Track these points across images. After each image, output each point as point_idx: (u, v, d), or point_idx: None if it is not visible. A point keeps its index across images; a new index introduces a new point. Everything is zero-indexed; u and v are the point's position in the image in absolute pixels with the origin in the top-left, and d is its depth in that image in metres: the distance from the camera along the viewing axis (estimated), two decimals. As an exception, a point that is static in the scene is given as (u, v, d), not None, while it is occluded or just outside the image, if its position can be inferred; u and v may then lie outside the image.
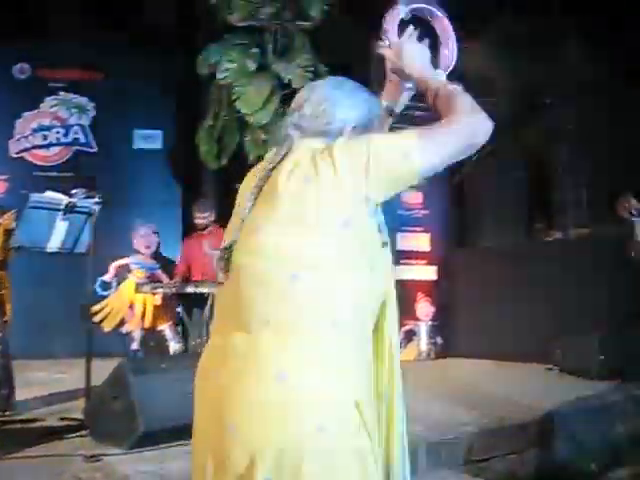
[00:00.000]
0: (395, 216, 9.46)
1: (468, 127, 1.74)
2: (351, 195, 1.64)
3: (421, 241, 9.62)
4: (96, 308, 6.19)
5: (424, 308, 9.33)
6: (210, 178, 9.74)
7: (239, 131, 8.36)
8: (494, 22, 10.83)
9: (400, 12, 1.97)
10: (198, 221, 7.24)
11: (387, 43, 1.96)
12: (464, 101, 1.78)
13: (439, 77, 1.95)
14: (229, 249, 1.66)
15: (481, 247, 9.61)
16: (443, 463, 4.03)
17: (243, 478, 1.50)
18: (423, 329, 9.28)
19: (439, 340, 9.36)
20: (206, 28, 9.22)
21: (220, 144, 8.50)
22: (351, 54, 10.95)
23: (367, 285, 1.72)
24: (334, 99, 1.80)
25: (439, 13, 2.04)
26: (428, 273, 9.59)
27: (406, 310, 9.26)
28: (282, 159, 1.71)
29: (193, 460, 1.69)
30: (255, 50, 8.24)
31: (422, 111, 2.06)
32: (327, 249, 1.61)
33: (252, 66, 8.19)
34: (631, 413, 5.69)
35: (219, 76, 8.17)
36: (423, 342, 9.28)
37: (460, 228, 10.27)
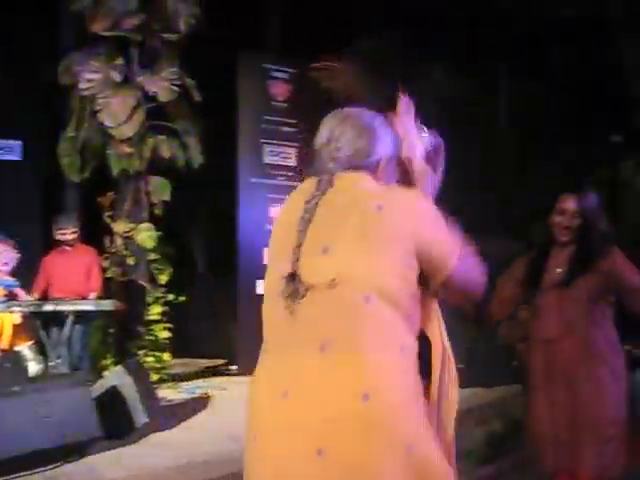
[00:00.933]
0: (262, 232, 9.48)
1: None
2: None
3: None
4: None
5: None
6: (72, 192, 9.38)
7: (102, 144, 8.08)
8: (359, 40, 11.15)
9: (427, 142, 2.10)
10: (58, 237, 6.97)
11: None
12: None
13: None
14: (294, 274, 1.71)
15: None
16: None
17: None
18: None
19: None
20: (69, 36, 8.91)
21: (83, 156, 8.18)
22: (219, 68, 10.96)
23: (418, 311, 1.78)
24: (375, 134, 1.89)
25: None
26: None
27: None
28: (324, 192, 1.79)
29: None
30: (120, 61, 8.01)
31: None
32: (393, 278, 1.67)
33: (117, 77, 7.95)
34: (490, 417, 6.05)
35: (82, 86, 7.87)
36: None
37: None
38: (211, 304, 11.77)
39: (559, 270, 3.19)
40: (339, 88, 10.22)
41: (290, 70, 10.11)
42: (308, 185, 1.88)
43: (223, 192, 11.52)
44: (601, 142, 13.09)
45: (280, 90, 10.01)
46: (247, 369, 7.96)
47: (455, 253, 1.77)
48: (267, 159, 9.75)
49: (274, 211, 9.64)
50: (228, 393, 7.38)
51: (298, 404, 1.62)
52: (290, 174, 9.87)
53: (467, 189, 8.32)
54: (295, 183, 8.48)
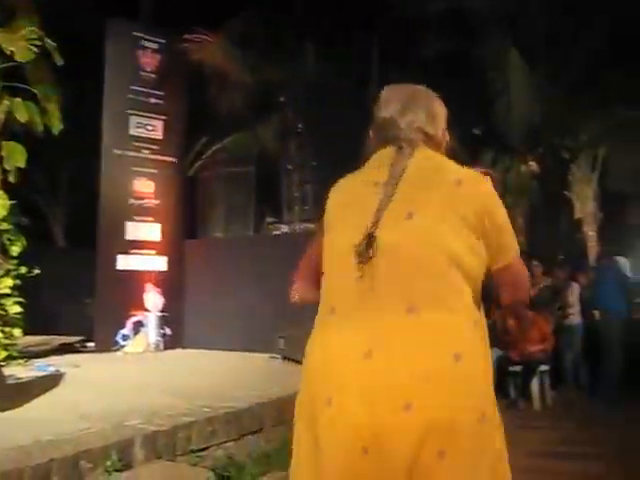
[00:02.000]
0: (125, 205, 9.24)
1: None
2: None
3: (152, 231, 9.49)
4: None
5: (153, 299, 9.21)
6: None
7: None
8: (233, 19, 11.01)
9: None
10: None
11: None
12: None
13: None
14: (370, 237, 1.66)
15: (211, 238, 9.73)
16: (160, 454, 4.02)
17: (416, 454, 1.56)
18: (152, 320, 9.16)
19: (168, 331, 9.31)
20: None
21: None
22: (87, 34, 10.49)
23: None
24: (439, 109, 1.95)
25: None
26: (158, 263, 9.50)
27: (135, 301, 9.11)
28: (408, 161, 1.78)
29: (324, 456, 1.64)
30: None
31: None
32: (470, 255, 1.71)
33: (-30, 34, 7.38)
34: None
35: None
36: (152, 333, 9.16)
37: (192, 219, 10.33)
38: (68, 279, 11.30)
39: None
40: (209, 61, 10.07)
41: (160, 40, 9.82)
42: (386, 152, 1.85)
43: (85, 163, 11.08)
44: (463, 135, 13.69)
45: (149, 60, 9.70)
46: (104, 346, 7.80)
47: (516, 245, 1.83)
48: (133, 131, 9.43)
49: (138, 184, 9.39)
50: (82, 371, 7.13)
51: (384, 362, 1.61)
52: (156, 147, 9.61)
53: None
54: (161, 157, 8.26)
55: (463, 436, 1.59)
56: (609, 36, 11.08)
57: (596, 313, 8.04)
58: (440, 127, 1.96)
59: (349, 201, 1.84)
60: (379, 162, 1.85)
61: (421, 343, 1.63)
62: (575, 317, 8.38)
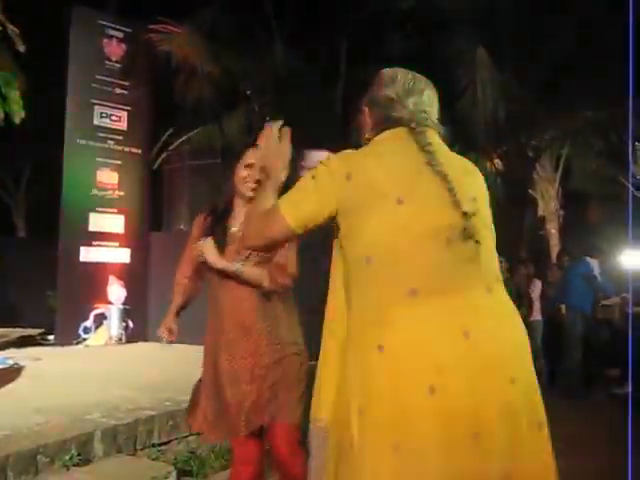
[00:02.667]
0: (89, 196, 9.11)
1: None
2: None
3: (115, 223, 9.37)
4: None
5: (116, 291, 9.10)
6: None
7: None
8: (201, 9, 10.91)
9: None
10: None
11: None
12: None
13: None
14: (469, 216, 1.72)
15: (176, 231, 9.65)
16: (121, 449, 3.98)
17: (521, 427, 1.64)
18: (114, 313, 9.05)
19: (131, 324, 9.21)
20: None
21: None
22: (52, 21, 10.30)
23: None
24: (435, 96, 2.01)
25: None
26: (121, 256, 9.39)
27: (97, 293, 8.99)
28: (430, 144, 1.80)
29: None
30: None
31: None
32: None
33: None
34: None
35: None
36: (114, 326, 9.04)
37: (156, 211, 10.23)
38: (29, 270, 11.12)
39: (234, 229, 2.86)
40: (176, 51, 9.96)
41: (126, 30, 9.68)
42: (400, 132, 1.84)
43: (48, 152, 10.90)
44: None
45: (115, 50, 9.56)
46: (65, 339, 7.69)
47: None
48: (97, 121, 9.29)
49: (102, 175, 9.27)
50: (42, 364, 7.02)
51: (483, 341, 1.64)
52: (121, 138, 9.49)
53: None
54: (126, 148, 8.16)
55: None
56: (574, 38, 11.23)
57: (562, 307, 8.18)
58: (436, 113, 1.98)
59: (403, 182, 1.74)
60: (400, 142, 1.83)
61: (505, 321, 1.74)
62: (536, 314, 8.49)
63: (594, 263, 8.07)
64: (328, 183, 1.77)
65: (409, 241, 1.69)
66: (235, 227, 2.84)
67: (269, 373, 2.70)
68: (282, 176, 1.93)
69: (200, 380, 2.96)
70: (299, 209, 1.78)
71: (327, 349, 1.87)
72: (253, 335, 2.74)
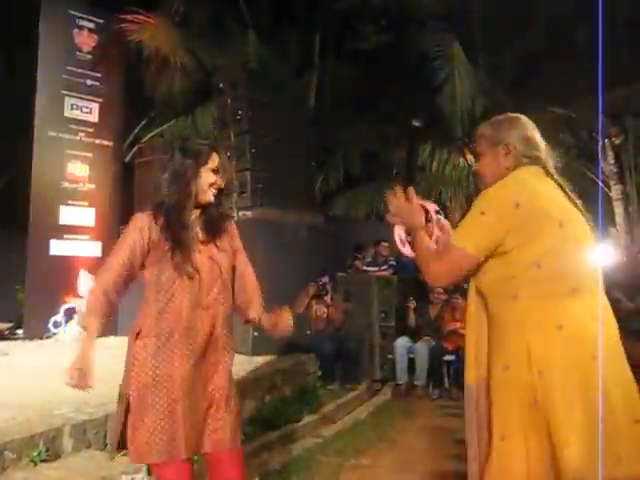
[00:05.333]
0: (59, 189, 8.99)
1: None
2: None
3: (86, 216, 9.26)
4: None
5: (87, 285, 9.00)
6: None
7: None
8: (174, 1, 10.82)
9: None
10: None
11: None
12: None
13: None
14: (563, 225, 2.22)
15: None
16: (90, 444, 3.94)
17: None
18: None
19: (102, 318, 9.10)
20: None
21: None
22: (21, 10, 10.13)
23: None
24: None
25: None
26: (92, 249, 9.28)
27: (68, 287, 8.89)
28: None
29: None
30: None
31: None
32: None
33: None
34: (279, 383, 6.20)
35: None
36: (85, 320, 8.93)
37: (127, 204, 10.13)
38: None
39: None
40: (148, 43, 9.86)
41: (98, 20, 9.56)
42: (537, 170, 2.33)
43: (18, 144, 10.73)
44: (403, 126, 13.81)
45: (86, 40, 9.44)
46: (35, 333, 7.58)
47: None
48: (68, 113, 9.17)
49: (72, 168, 9.16)
50: (11, 359, 6.93)
51: (610, 331, 2.22)
52: (92, 130, 9.38)
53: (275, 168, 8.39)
54: (97, 140, 8.06)
55: None
56: (543, 34, 11.33)
57: None
58: None
59: (561, 209, 2.27)
60: (542, 178, 2.33)
61: (611, 320, 2.26)
62: None
63: None
64: (499, 214, 2.20)
65: (569, 252, 2.21)
66: (200, 233, 2.70)
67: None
68: (418, 223, 2.44)
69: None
70: (479, 241, 2.21)
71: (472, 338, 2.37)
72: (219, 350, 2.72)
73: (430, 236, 2.47)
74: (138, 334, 2.68)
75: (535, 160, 2.33)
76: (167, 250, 2.61)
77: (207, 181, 2.70)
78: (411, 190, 2.46)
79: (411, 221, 2.44)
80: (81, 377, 2.52)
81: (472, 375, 2.32)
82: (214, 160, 2.73)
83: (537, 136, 2.39)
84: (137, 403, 2.55)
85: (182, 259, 2.60)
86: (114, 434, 2.65)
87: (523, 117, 2.42)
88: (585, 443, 2.04)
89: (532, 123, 2.41)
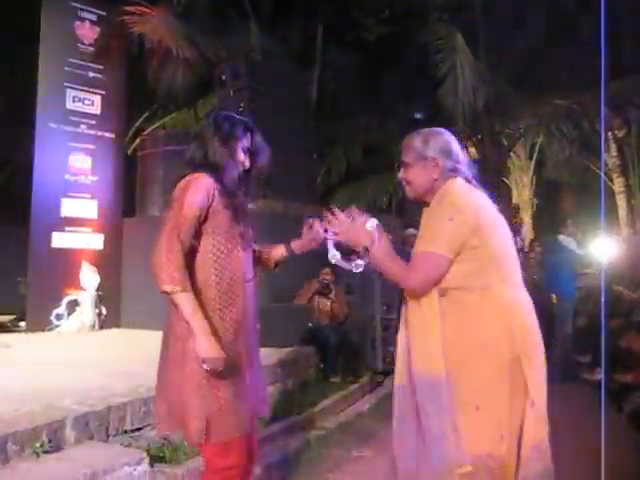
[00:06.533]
0: (61, 181, 8.99)
1: None
2: None
3: (88, 208, 9.27)
4: None
5: (89, 277, 9.01)
6: None
7: None
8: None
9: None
10: None
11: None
12: None
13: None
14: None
15: (150, 216, 9.54)
16: (93, 435, 3.95)
17: None
18: (87, 299, 8.96)
19: (104, 311, 9.14)
20: None
21: None
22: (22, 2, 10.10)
23: None
24: None
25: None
26: (94, 241, 9.29)
27: (70, 279, 8.90)
28: None
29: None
30: None
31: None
32: None
33: None
34: (281, 375, 6.21)
35: None
36: (87, 313, 8.96)
37: (130, 197, 10.13)
38: (0, 255, 10.96)
39: None
40: (150, 35, 9.83)
41: (100, 12, 9.54)
42: (464, 183, 2.54)
43: (20, 136, 10.73)
44: (405, 118, 13.78)
45: (88, 32, 9.42)
46: (37, 326, 7.60)
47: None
48: (70, 105, 9.16)
49: (74, 160, 9.15)
50: (14, 351, 6.95)
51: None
52: (94, 123, 9.37)
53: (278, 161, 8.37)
54: (99, 132, 8.05)
55: None
56: (546, 25, 11.29)
57: (553, 297, 8.27)
58: None
59: (495, 215, 2.55)
60: (470, 190, 2.53)
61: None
62: None
63: (568, 240, 8.14)
64: (466, 217, 2.41)
65: (512, 248, 2.58)
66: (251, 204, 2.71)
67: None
68: (368, 242, 2.49)
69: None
70: (451, 244, 2.39)
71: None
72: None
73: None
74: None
75: (457, 172, 2.53)
76: (228, 219, 2.55)
77: (240, 158, 2.67)
78: (354, 209, 2.57)
79: (359, 241, 2.50)
80: (220, 362, 2.43)
81: (404, 376, 2.53)
82: (248, 139, 2.70)
83: (458, 149, 2.59)
84: (209, 380, 2.48)
85: (245, 229, 2.58)
86: (198, 420, 2.48)
87: (446, 131, 2.61)
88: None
89: (453, 136, 2.60)
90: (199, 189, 2.50)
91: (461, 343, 2.39)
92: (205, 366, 2.42)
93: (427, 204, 2.57)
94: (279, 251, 2.90)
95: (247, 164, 2.71)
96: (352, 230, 2.51)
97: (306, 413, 5.73)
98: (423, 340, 2.44)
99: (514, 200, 16.23)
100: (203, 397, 2.46)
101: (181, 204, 2.48)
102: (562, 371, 7.54)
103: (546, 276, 8.51)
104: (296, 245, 2.89)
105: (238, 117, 2.79)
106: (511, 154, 13.89)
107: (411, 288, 2.47)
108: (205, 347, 2.40)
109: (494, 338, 2.38)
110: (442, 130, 2.61)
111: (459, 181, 2.52)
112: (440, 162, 2.52)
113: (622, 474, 3.97)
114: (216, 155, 2.59)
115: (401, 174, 2.64)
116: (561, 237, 8.17)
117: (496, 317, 2.39)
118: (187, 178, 2.56)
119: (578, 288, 8.16)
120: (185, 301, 2.43)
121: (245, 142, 2.69)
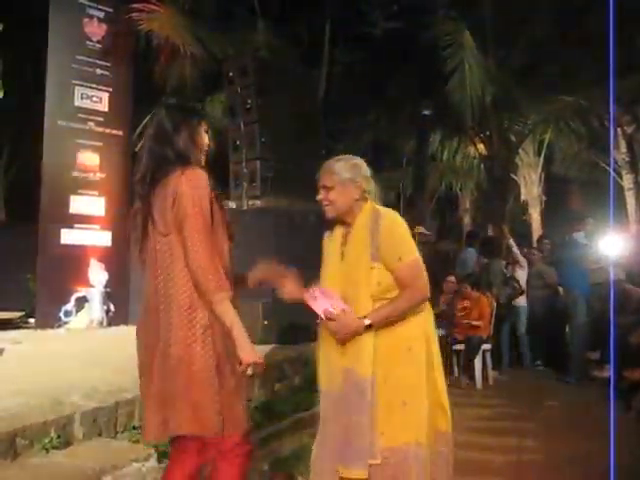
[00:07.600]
0: (69, 178, 9.02)
1: None
2: None
3: (96, 205, 9.29)
4: None
5: (97, 274, 9.04)
6: None
7: None
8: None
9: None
10: None
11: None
12: None
13: None
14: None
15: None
16: (101, 431, 3.96)
17: None
18: (96, 296, 8.99)
19: (112, 308, 9.16)
20: None
21: None
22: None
23: None
24: None
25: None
26: (102, 238, 9.32)
27: (78, 276, 8.92)
28: None
29: None
30: None
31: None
32: None
33: None
34: (288, 372, 6.22)
35: None
36: (95, 310, 8.99)
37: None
38: (9, 253, 11.01)
39: None
40: (158, 32, 9.84)
41: (107, 10, 9.55)
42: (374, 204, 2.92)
43: (28, 133, 10.77)
44: (412, 116, 13.75)
45: (95, 30, 9.44)
46: (46, 322, 7.60)
47: None
48: (78, 102, 9.18)
49: (83, 157, 9.18)
50: (23, 347, 6.98)
51: None
52: (102, 120, 9.39)
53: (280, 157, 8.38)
54: (107, 130, 8.02)
55: None
56: (556, 22, 11.23)
57: (561, 290, 8.21)
58: None
59: None
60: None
61: None
62: (521, 299, 8.52)
63: (581, 235, 8.10)
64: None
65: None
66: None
67: None
68: (361, 326, 2.69)
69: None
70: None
71: None
72: None
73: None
74: (189, 307, 2.49)
75: (370, 194, 2.85)
76: (220, 215, 2.49)
77: (205, 141, 2.60)
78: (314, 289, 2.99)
79: (354, 330, 2.67)
80: (262, 366, 2.43)
81: (336, 383, 2.78)
82: (206, 121, 2.64)
83: (369, 175, 2.88)
84: (215, 375, 2.44)
85: (230, 225, 2.54)
86: (214, 414, 2.43)
87: (361, 160, 2.91)
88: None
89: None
90: (203, 185, 2.43)
91: (392, 346, 2.68)
92: (249, 371, 2.40)
93: (346, 223, 2.86)
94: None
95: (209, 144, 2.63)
96: (344, 329, 2.70)
97: (313, 409, 5.72)
98: (356, 343, 2.67)
99: (522, 197, 16.19)
100: (216, 393, 2.42)
101: (199, 203, 2.40)
102: (575, 369, 7.53)
103: (558, 273, 8.45)
104: (250, 280, 2.89)
105: (185, 102, 2.78)
106: (519, 150, 13.83)
107: (426, 296, 2.77)
108: (249, 352, 2.37)
109: (417, 340, 2.71)
110: (359, 160, 2.90)
111: (374, 203, 2.85)
112: (360, 185, 2.82)
113: (630, 473, 3.95)
114: (187, 146, 2.52)
115: (321, 196, 2.87)
116: (577, 234, 8.12)
117: (417, 320, 2.73)
118: (186, 173, 2.44)
119: (598, 284, 8.08)
120: (230, 306, 2.39)
121: (205, 124, 2.61)
